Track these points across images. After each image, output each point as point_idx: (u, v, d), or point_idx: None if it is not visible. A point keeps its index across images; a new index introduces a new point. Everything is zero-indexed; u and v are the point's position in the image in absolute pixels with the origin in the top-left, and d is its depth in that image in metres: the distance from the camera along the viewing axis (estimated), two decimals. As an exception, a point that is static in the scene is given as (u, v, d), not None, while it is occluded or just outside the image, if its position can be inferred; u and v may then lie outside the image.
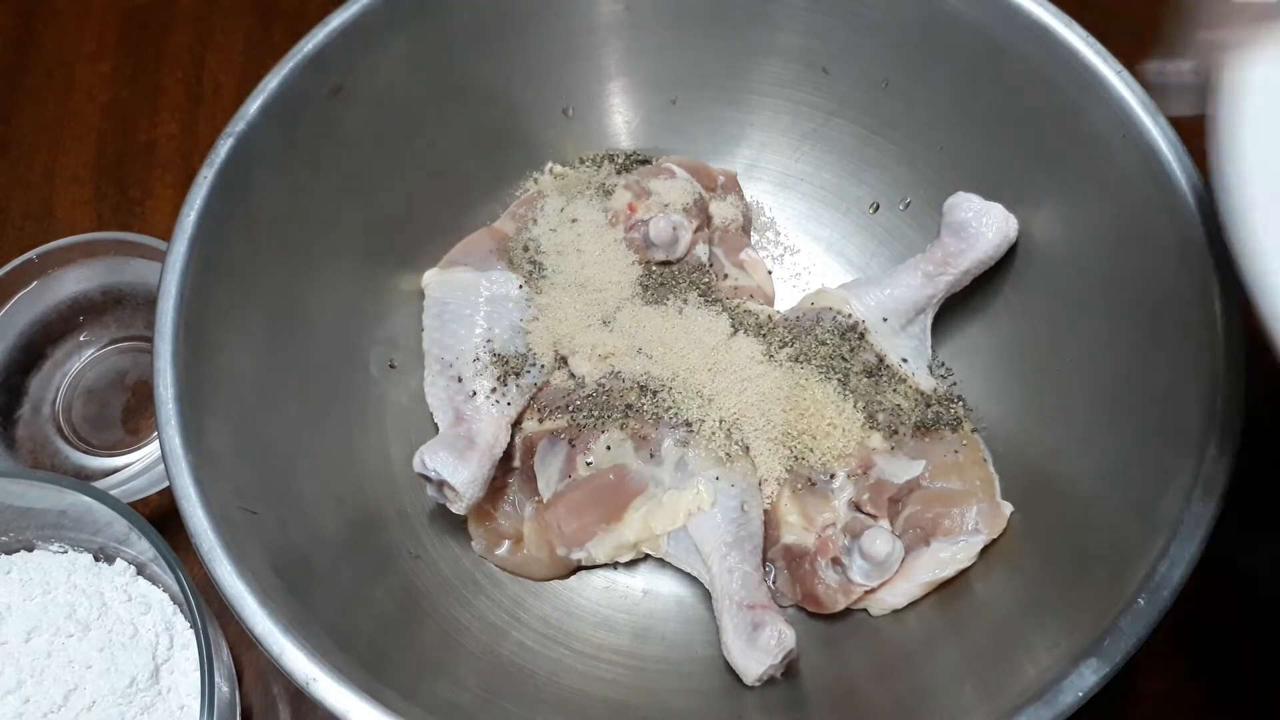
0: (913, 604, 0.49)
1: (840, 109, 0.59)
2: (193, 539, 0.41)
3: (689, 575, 0.50)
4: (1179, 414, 0.42)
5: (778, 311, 0.56)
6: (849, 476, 0.50)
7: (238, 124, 0.48)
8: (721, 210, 0.58)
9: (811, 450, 0.50)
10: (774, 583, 0.50)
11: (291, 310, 0.51)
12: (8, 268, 0.56)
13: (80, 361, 0.60)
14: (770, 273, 0.59)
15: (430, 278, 0.56)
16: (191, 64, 0.71)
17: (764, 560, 0.50)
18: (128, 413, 0.59)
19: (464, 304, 0.54)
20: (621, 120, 0.61)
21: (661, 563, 0.51)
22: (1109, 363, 0.48)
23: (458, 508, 0.49)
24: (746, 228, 0.60)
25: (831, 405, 0.50)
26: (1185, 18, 0.37)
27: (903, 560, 0.48)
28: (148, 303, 0.58)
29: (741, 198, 0.60)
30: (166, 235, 0.47)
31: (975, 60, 0.52)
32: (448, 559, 0.51)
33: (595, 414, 0.51)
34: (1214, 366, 0.42)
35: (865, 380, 0.51)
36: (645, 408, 0.50)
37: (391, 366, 0.55)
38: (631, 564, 0.52)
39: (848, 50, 0.56)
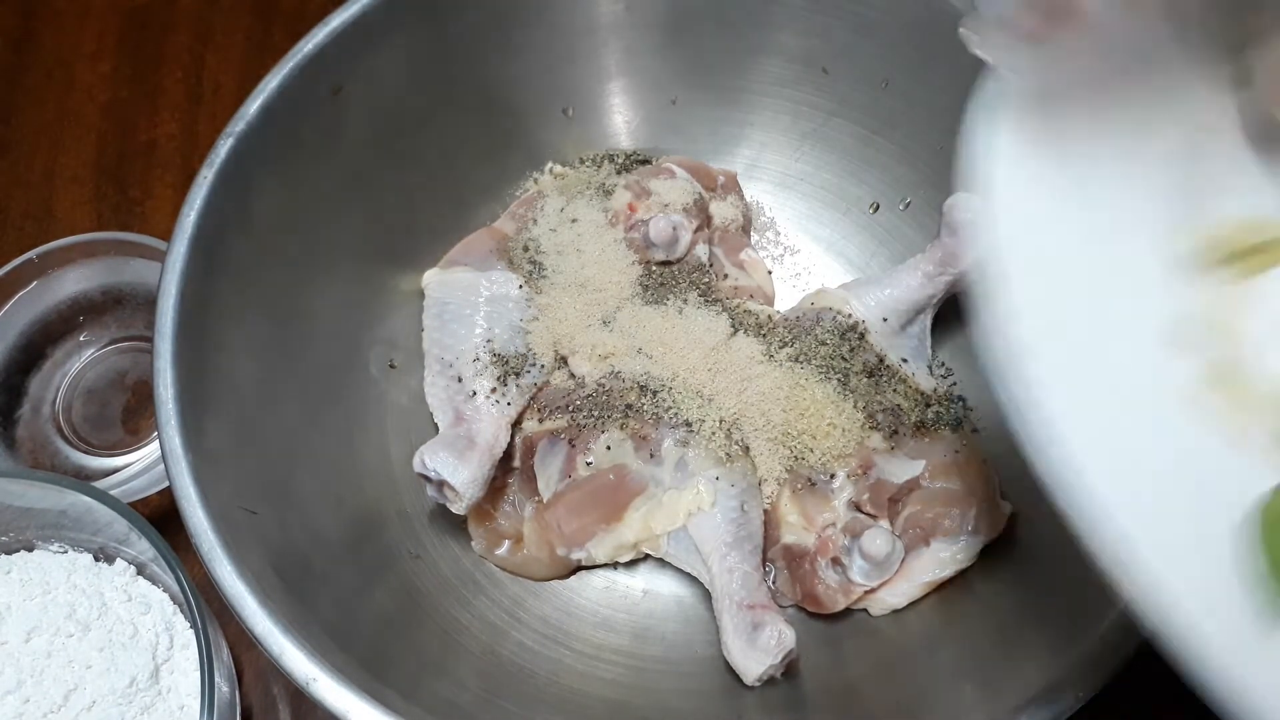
0: (913, 604, 0.49)
1: (840, 109, 0.59)
2: (193, 539, 0.41)
3: (689, 575, 0.50)
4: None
5: (778, 311, 0.56)
6: (849, 476, 0.50)
7: (238, 124, 0.48)
8: (721, 210, 0.58)
9: (811, 450, 0.50)
10: (774, 583, 0.50)
11: (291, 310, 0.51)
12: (8, 268, 0.56)
13: (80, 361, 0.60)
14: (770, 273, 0.59)
15: (430, 278, 0.56)
16: (191, 64, 0.71)
17: (764, 560, 0.50)
18: (128, 413, 0.59)
19: (464, 304, 0.54)
20: (621, 120, 0.61)
21: (661, 563, 0.51)
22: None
23: (458, 508, 0.49)
24: (746, 228, 0.60)
25: (831, 405, 0.50)
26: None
27: (903, 560, 0.48)
28: (148, 303, 0.58)
29: (741, 198, 0.60)
30: (166, 235, 0.47)
31: (975, 60, 0.52)
32: (448, 559, 0.51)
33: (595, 414, 0.51)
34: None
35: (865, 380, 0.51)
36: (645, 408, 0.50)
37: (391, 366, 0.55)
38: (631, 564, 0.52)
39: (848, 50, 0.56)
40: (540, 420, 0.52)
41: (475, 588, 0.51)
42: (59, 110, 0.69)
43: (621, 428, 0.50)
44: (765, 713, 0.47)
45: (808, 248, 0.61)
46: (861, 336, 0.53)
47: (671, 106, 0.61)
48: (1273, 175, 0.35)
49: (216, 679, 0.43)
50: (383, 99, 0.53)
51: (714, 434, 0.49)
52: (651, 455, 0.49)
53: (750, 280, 0.57)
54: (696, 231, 0.56)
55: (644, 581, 0.53)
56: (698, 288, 0.54)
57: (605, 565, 0.52)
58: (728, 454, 0.49)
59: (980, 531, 0.48)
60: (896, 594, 0.48)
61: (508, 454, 0.51)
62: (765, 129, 0.61)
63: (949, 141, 0.55)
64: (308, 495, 0.48)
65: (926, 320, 0.54)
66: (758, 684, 0.45)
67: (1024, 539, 0.48)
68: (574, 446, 0.50)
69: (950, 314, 0.55)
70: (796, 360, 0.52)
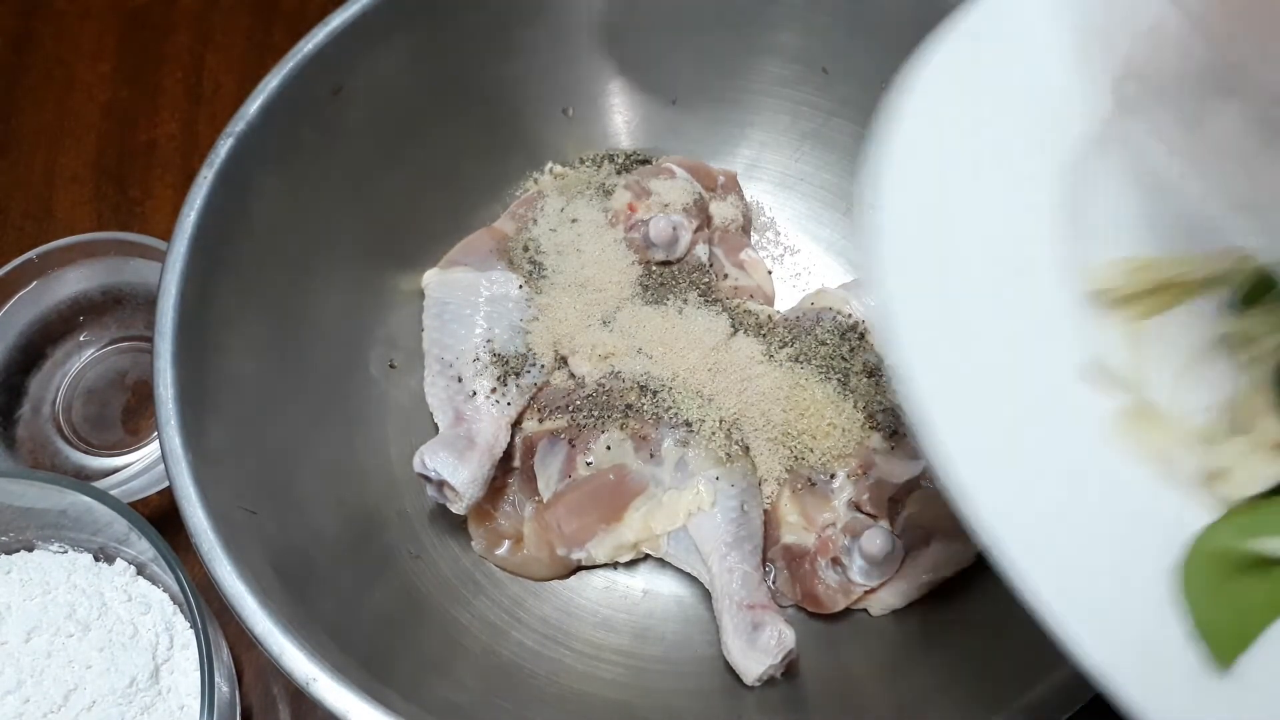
0: (912, 604, 0.49)
1: (840, 109, 0.59)
2: (193, 539, 0.41)
3: (689, 575, 0.50)
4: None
5: (778, 311, 0.56)
6: (849, 476, 0.50)
7: (238, 124, 0.48)
8: (721, 210, 0.59)
9: (811, 450, 0.50)
10: (774, 583, 0.50)
11: (291, 310, 0.51)
12: (8, 268, 0.56)
13: (80, 361, 0.60)
14: (770, 273, 0.59)
15: (430, 278, 0.56)
16: (191, 64, 0.71)
17: (764, 560, 0.50)
18: (128, 413, 0.59)
19: (464, 304, 0.54)
20: (621, 120, 0.61)
21: (661, 563, 0.51)
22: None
23: (458, 508, 0.49)
24: (746, 228, 0.60)
25: (831, 405, 0.50)
26: None
27: (903, 560, 0.48)
28: (148, 303, 0.58)
29: (741, 198, 0.60)
30: (166, 235, 0.47)
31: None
32: (448, 559, 0.51)
33: (595, 414, 0.51)
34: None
35: (865, 380, 0.51)
36: (645, 408, 0.50)
37: (391, 366, 0.55)
38: (631, 564, 0.52)
39: (848, 50, 0.56)
40: (540, 420, 0.52)
41: (475, 588, 0.51)
42: (59, 110, 0.69)
43: (621, 428, 0.50)
44: (765, 713, 0.47)
45: (808, 248, 0.61)
46: (862, 336, 0.53)
47: (671, 106, 0.61)
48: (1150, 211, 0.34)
49: (216, 679, 0.43)
50: (383, 99, 0.53)
51: (714, 434, 0.49)
52: (651, 455, 0.49)
53: (750, 280, 0.57)
54: (696, 231, 0.56)
55: (644, 581, 0.53)
56: (698, 288, 0.54)
57: (605, 565, 0.52)
58: (728, 454, 0.49)
59: (980, 531, 0.48)
60: (896, 594, 0.48)
61: (508, 454, 0.51)
62: (765, 129, 0.61)
63: (949, 141, 0.55)
64: (308, 495, 0.48)
65: (926, 320, 0.54)
66: (758, 684, 0.45)
67: (1024, 539, 0.48)
68: (574, 446, 0.50)
69: (950, 314, 0.55)
70: (796, 360, 0.52)
